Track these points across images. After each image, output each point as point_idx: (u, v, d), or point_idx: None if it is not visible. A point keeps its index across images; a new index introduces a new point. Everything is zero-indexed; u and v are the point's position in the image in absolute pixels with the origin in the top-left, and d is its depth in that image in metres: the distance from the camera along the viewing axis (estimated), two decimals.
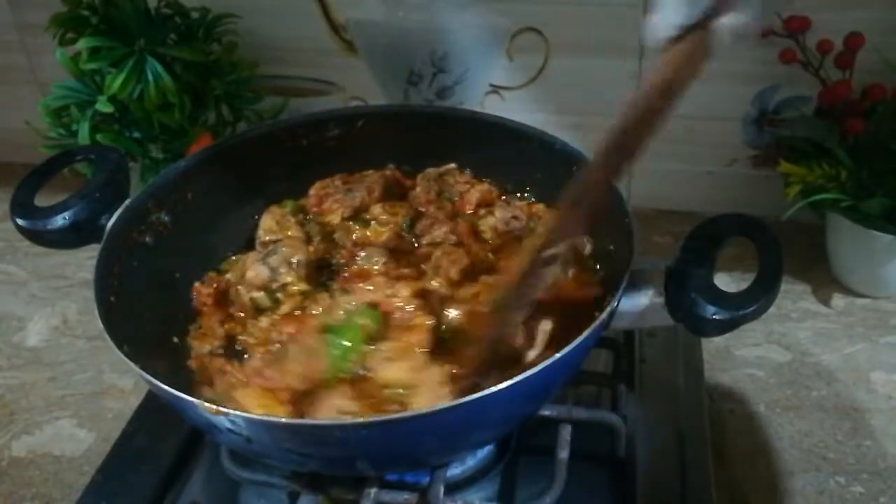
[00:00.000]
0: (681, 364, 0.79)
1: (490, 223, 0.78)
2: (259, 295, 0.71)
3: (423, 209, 0.81)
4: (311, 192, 0.82)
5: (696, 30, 0.46)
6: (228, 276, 0.74)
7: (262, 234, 0.77)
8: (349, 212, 0.80)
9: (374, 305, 0.68)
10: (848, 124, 0.89)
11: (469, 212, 0.81)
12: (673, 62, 0.47)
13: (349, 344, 0.64)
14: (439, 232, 0.77)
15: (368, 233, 0.78)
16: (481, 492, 0.69)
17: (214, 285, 0.74)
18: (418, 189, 0.82)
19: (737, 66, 0.95)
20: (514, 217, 0.78)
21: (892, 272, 0.91)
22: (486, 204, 0.81)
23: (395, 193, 0.83)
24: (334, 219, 0.79)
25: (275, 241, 0.75)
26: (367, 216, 0.79)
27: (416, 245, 0.77)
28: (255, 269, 0.71)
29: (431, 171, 0.84)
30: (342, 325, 0.66)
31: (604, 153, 0.51)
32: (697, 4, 0.45)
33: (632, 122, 0.49)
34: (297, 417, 0.59)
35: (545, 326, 0.62)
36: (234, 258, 0.77)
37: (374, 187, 0.82)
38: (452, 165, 0.84)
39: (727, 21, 0.45)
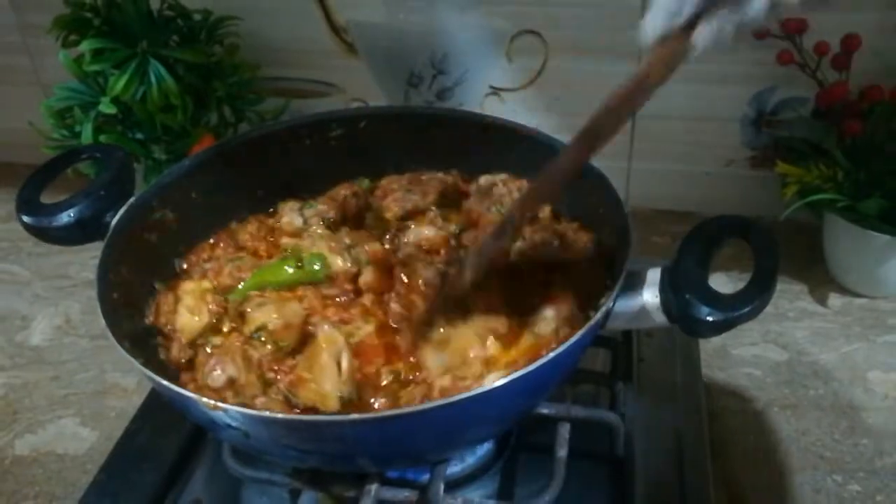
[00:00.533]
0: (679, 363, 0.80)
1: (517, 247, 0.72)
2: (288, 241, 0.75)
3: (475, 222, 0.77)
4: (383, 182, 0.82)
5: (679, 33, 0.49)
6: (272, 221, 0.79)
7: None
8: (401, 213, 0.78)
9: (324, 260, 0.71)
10: (845, 125, 0.89)
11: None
12: (651, 62, 0.51)
13: (268, 274, 0.71)
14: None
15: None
16: (481, 489, 0.69)
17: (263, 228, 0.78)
18: (472, 200, 0.79)
19: (735, 67, 0.96)
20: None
21: (889, 272, 0.92)
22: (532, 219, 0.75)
23: (452, 198, 0.81)
24: (390, 216, 0.79)
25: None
26: (412, 223, 0.77)
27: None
28: (289, 216, 0.77)
29: (484, 181, 0.80)
30: (285, 259, 0.72)
31: (581, 136, 0.56)
32: (683, 9, 0.48)
33: (607, 112, 0.54)
34: None
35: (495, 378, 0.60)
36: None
37: (428, 190, 0.80)
38: (504, 175, 0.80)
39: (707, 28, 0.47)
